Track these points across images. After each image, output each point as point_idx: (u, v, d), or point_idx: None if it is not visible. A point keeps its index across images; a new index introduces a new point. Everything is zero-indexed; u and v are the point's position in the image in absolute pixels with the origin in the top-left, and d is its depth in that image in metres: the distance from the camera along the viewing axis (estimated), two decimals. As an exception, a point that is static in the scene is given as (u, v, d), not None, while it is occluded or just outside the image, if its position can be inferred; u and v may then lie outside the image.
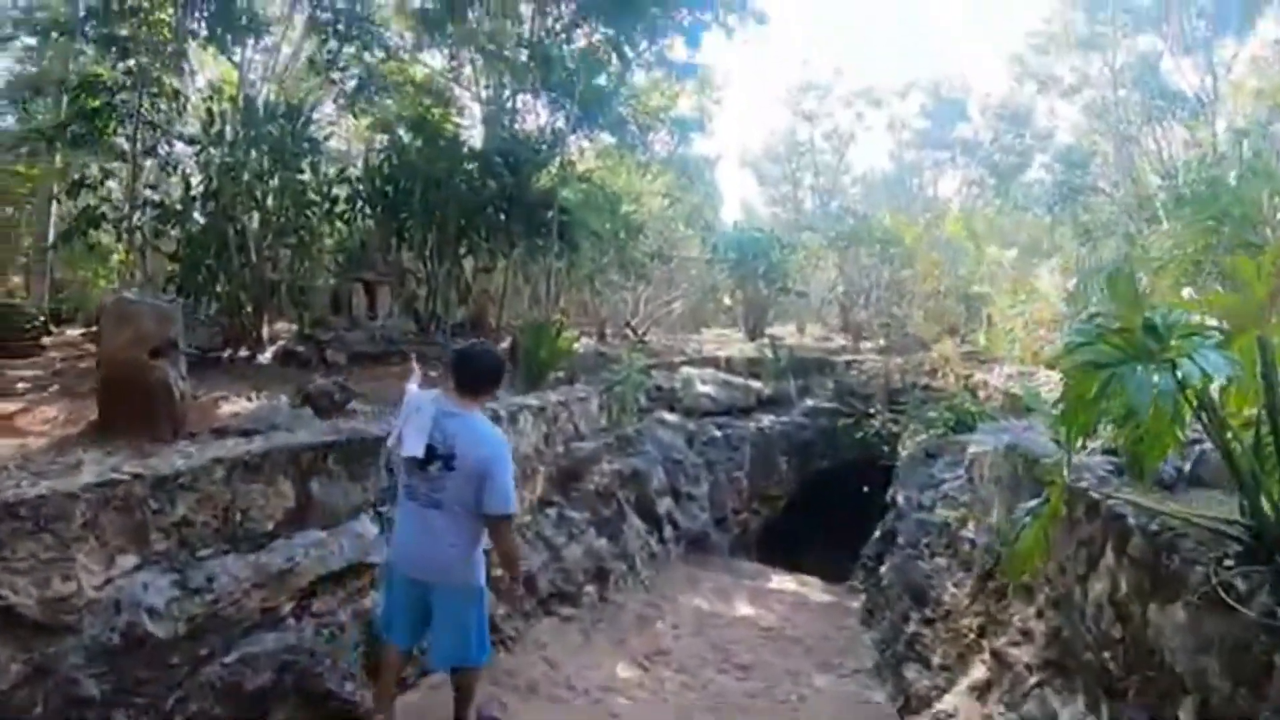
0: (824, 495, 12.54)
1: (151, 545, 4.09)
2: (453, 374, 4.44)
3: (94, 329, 12.71)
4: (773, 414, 13.65)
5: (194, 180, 10.39)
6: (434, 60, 17.37)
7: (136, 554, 4.02)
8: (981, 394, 11.22)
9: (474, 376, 4.38)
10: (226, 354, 11.13)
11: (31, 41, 11.85)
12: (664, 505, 9.88)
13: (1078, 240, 16.23)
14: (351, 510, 5.29)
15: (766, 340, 16.94)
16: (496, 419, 6.71)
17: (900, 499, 9.26)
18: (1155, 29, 20.10)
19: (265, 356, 11.16)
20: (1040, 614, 4.75)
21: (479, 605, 4.41)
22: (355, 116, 16.00)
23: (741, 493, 12.06)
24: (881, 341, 17.09)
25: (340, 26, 12.84)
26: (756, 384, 14.28)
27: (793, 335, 20.70)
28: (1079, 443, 5.67)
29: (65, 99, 9.60)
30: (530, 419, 7.36)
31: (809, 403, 14.15)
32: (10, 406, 6.28)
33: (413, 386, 4.73)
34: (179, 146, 10.67)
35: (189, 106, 10.62)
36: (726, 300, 22.57)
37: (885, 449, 11.88)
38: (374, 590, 5.18)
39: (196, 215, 10.49)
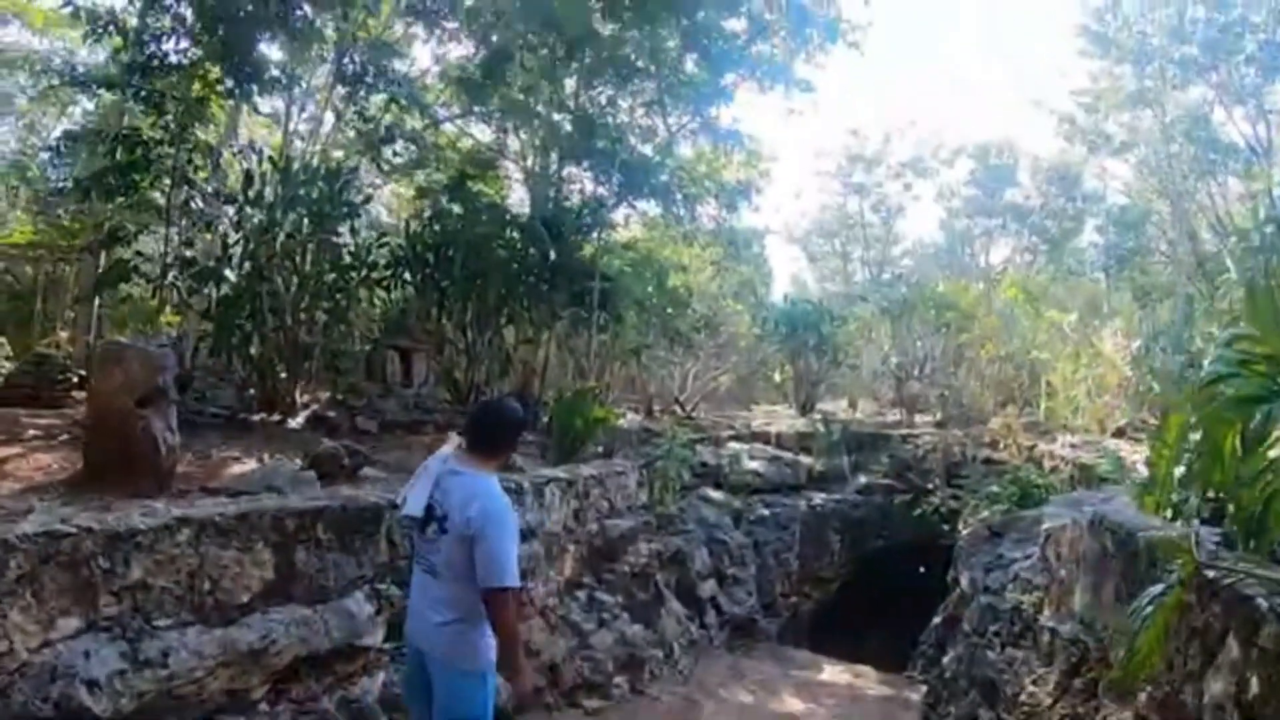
0: (879, 577, 11.75)
1: (100, 609, 3.60)
2: (465, 430, 3.97)
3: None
4: (824, 491, 12.97)
5: (230, 239, 10.24)
6: (477, 129, 17.34)
7: (81, 617, 3.53)
8: (1047, 464, 10.41)
9: (483, 431, 3.85)
10: (257, 417, 10.84)
11: (87, 103, 12.09)
12: (707, 588, 9.17)
13: (1136, 303, 15.40)
14: (344, 585, 4.71)
15: (818, 415, 16.25)
16: (519, 492, 6.17)
17: (963, 581, 8.39)
18: (1204, 79, 19.39)
19: (296, 421, 10.82)
20: (1141, 718, 3.96)
21: (478, 692, 3.78)
22: (383, 171, 15.99)
23: (791, 575, 11.27)
24: (938, 414, 16.27)
25: (370, 78, 12.78)
26: (807, 460, 13.64)
27: (844, 411, 19.96)
28: (1177, 509, 4.96)
29: (104, 152, 9.56)
30: (558, 493, 6.79)
31: (863, 479, 13.41)
32: (8, 452, 5.98)
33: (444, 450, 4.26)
34: (215, 204, 10.56)
35: (225, 164, 10.53)
36: (776, 376, 21.92)
37: (945, 527, 11.08)
38: (366, 676, 4.58)
39: (230, 274, 10.32)
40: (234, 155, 10.28)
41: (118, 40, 9.93)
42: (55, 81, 12.40)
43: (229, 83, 11.15)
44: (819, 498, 12.72)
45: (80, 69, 12.14)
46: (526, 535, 6.01)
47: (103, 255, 11.24)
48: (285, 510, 4.46)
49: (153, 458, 4.69)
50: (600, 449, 9.56)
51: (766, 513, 11.60)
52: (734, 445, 12.86)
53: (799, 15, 14.99)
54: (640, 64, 14.78)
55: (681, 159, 17.18)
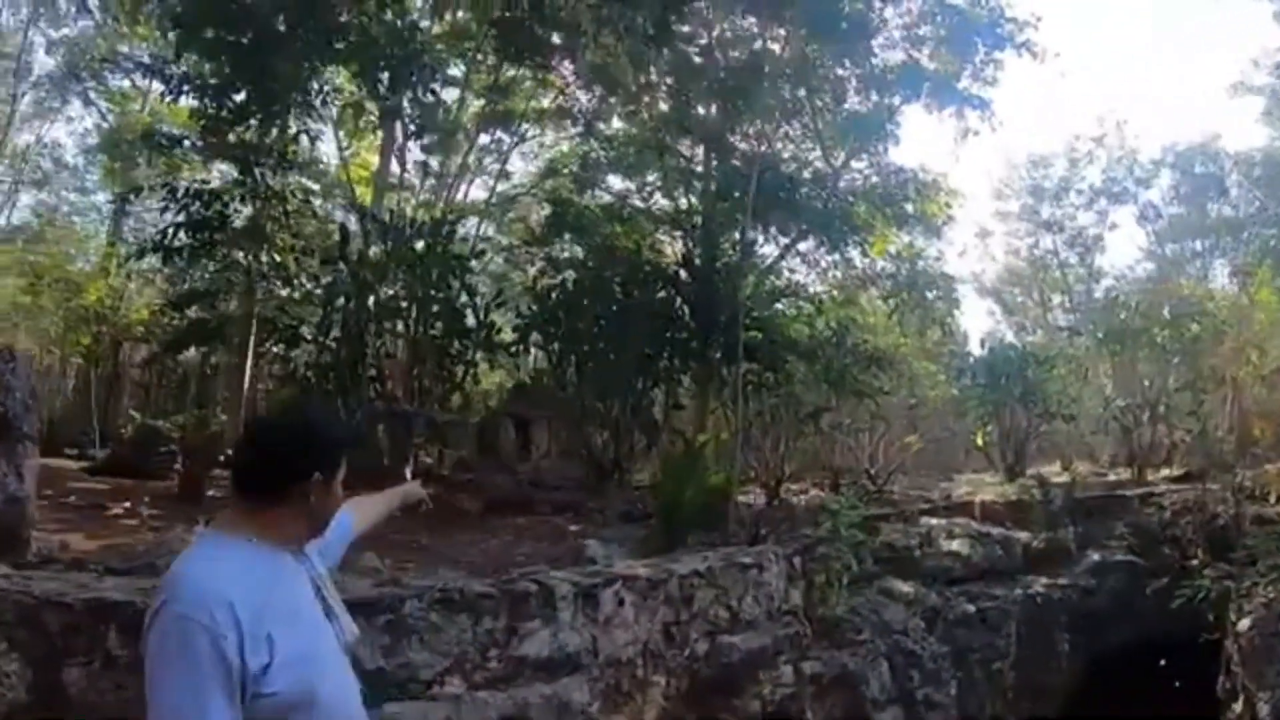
0: (1121, 687, 9.10)
1: None
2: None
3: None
4: (1046, 574, 10.28)
5: (317, 295, 9.22)
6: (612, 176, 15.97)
7: None
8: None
9: (245, 460, 1.95)
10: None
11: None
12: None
13: None
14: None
15: (1031, 478, 13.52)
16: (544, 598, 4.24)
17: (1261, 701, 6.31)
18: None
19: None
20: None
21: None
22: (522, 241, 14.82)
23: (1005, 691, 8.69)
24: (1182, 465, 13.10)
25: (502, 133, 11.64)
26: (1021, 535, 11.06)
27: (1058, 473, 16.93)
28: None
29: (174, 208, 8.74)
30: (631, 601, 4.67)
31: (1094, 556, 10.62)
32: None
33: None
34: (306, 261, 9.57)
35: (315, 216, 9.57)
36: (978, 438, 19.03)
37: (1211, 617, 8.34)
38: None
39: (307, 333, 9.25)
40: (302, 197, 9.21)
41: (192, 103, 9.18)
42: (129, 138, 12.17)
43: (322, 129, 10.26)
44: (1039, 585, 10.05)
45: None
46: (558, 666, 4.12)
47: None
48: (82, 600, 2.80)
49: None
50: (739, 534, 7.55)
51: (971, 609, 9.09)
52: (928, 521, 10.49)
53: (958, 20, 12.88)
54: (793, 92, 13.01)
55: (847, 195, 15.06)
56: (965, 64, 13.50)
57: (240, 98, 8.61)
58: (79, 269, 17.33)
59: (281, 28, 9.08)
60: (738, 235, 13.47)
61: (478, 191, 16.22)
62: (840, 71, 13.71)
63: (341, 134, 10.64)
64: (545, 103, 14.63)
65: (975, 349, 20.36)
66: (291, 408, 2.80)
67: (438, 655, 3.81)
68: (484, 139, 13.69)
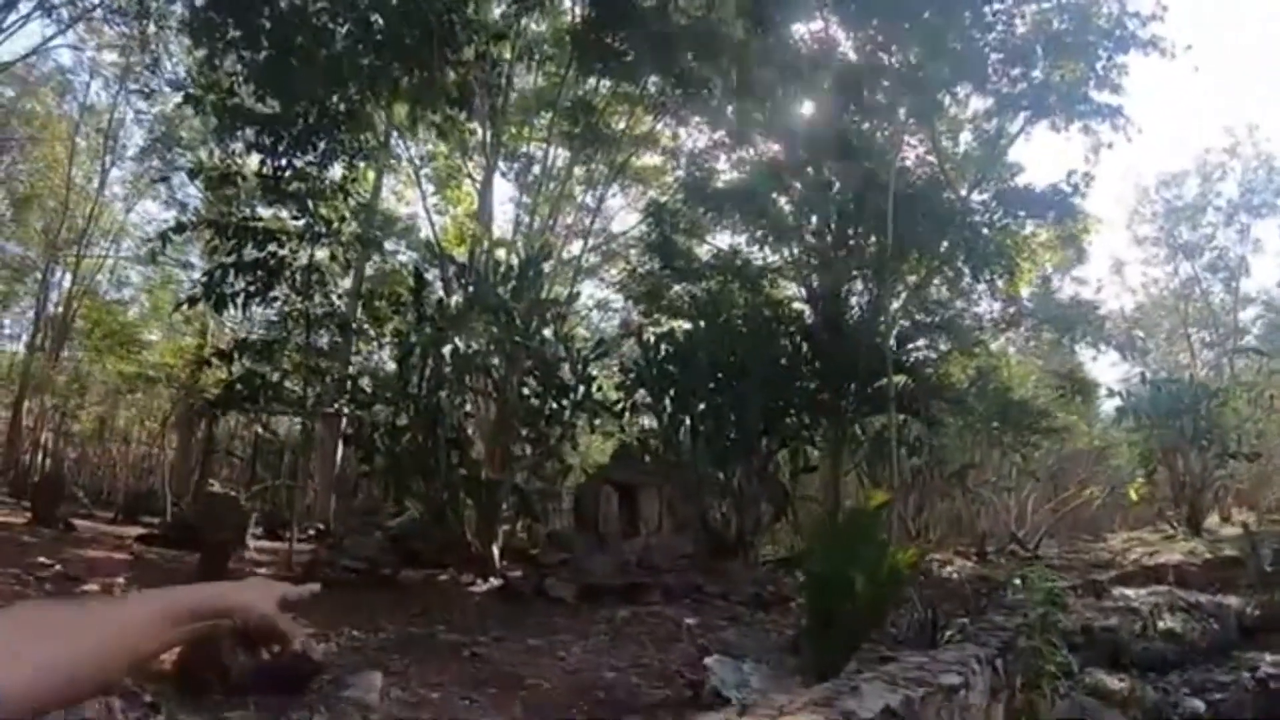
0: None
1: None
2: None
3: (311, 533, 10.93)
4: (1270, 649, 8.34)
5: (387, 348, 8.06)
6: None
7: None
8: None
9: None
10: (447, 575, 8.31)
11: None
12: None
13: None
14: None
15: (1234, 530, 11.35)
16: None
17: None
18: None
19: (494, 581, 8.17)
20: None
21: None
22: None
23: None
24: None
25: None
26: (1231, 601, 9.19)
27: (1249, 522, 14.53)
28: None
29: (222, 248, 7.72)
30: None
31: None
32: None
33: None
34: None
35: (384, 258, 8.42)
36: (1131, 491, 16.58)
37: None
38: None
39: (395, 397, 8.04)
40: (351, 227, 8.09)
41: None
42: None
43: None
44: (1267, 664, 8.10)
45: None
46: None
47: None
48: None
49: None
50: (900, 625, 5.82)
51: (1200, 706, 7.14)
52: (1123, 592, 8.57)
53: (1079, 24, 11.18)
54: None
55: (980, 225, 13.26)
56: (1089, 72, 11.74)
57: (298, 129, 7.63)
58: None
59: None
60: (867, 273, 11.89)
61: (574, 245, 15.13)
62: (959, 91, 12.19)
63: (423, 175, 9.62)
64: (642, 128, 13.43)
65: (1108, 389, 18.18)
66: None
67: None
68: (578, 172, 12.48)
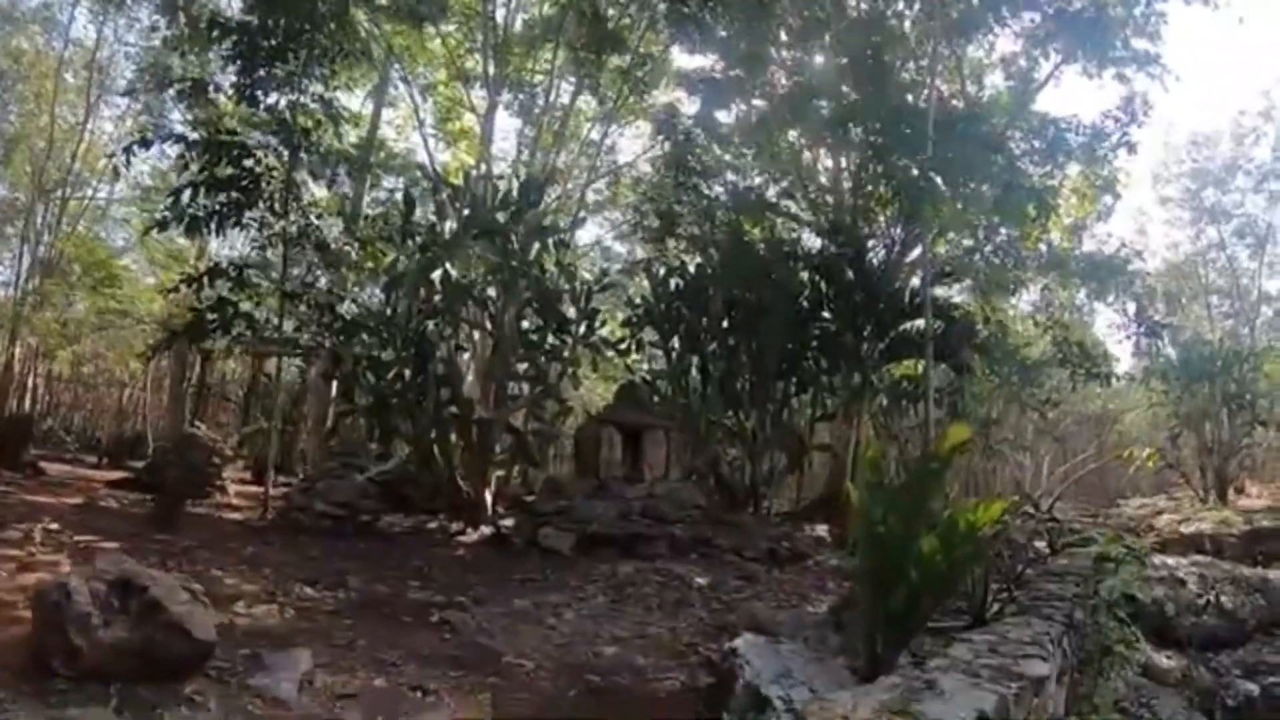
0: None
1: None
2: None
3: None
4: (1322, 629, 7.67)
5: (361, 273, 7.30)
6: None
7: None
8: None
9: None
10: (436, 523, 7.66)
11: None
12: None
13: None
14: None
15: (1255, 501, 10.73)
16: None
17: None
18: None
19: (485, 530, 7.50)
20: None
21: None
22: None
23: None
24: None
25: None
26: (1272, 576, 8.49)
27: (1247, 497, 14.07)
28: None
29: (194, 165, 6.94)
30: None
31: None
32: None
33: None
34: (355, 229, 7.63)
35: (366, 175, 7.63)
36: (1149, 460, 15.90)
37: None
38: None
39: (381, 327, 7.29)
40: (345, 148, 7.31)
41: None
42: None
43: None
44: (1324, 645, 7.45)
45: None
46: None
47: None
48: None
49: None
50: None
51: (1254, 690, 6.54)
52: (1163, 560, 7.89)
53: None
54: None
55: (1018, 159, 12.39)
56: (1128, 16, 10.84)
57: (278, 38, 6.81)
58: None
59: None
60: (892, 211, 11.01)
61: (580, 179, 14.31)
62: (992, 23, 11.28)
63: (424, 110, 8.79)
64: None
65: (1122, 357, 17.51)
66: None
67: None
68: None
